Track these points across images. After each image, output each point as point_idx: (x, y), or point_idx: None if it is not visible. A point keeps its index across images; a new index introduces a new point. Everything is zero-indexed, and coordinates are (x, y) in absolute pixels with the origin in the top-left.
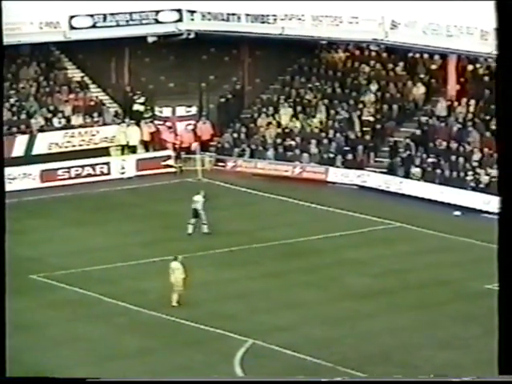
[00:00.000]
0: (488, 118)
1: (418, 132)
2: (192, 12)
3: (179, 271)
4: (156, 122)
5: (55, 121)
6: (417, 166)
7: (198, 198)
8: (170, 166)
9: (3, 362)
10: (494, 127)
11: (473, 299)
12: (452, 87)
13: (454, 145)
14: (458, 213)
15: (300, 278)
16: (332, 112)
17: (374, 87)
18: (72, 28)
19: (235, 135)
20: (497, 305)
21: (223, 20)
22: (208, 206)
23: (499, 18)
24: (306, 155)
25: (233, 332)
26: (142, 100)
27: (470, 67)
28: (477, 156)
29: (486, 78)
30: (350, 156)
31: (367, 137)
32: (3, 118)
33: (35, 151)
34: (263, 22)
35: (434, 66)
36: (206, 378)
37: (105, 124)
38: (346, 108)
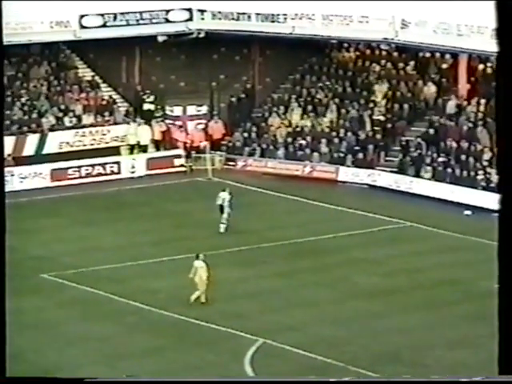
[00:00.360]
0: None
1: (429, 131)
2: (202, 11)
3: (202, 269)
4: (167, 121)
5: (66, 120)
6: (427, 165)
7: (224, 195)
8: (182, 166)
9: (3, 362)
10: None
11: (483, 299)
12: (463, 86)
13: (464, 144)
14: (468, 212)
15: (310, 278)
16: (342, 111)
17: (383, 86)
18: (82, 27)
19: (246, 134)
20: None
21: (233, 19)
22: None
23: (499, 18)
24: (316, 154)
25: (243, 331)
26: (151, 99)
27: (481, 66)
28: (487, 155)
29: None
30: (360, 155)
31: (378, 136)
32: (4, 117)
33: (46, 150)
34: (273, 22)
35: (444, 66)
36: (207, 378)
37: (115, 123)
38: (356, 107)
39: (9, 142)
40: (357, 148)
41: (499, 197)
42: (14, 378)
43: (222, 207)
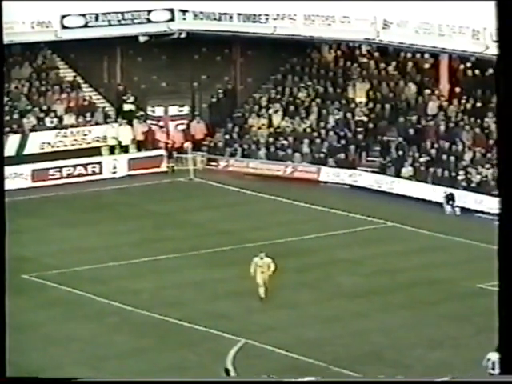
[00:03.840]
0: (480, 117)
1: (410, 131)
2: (184, 11)
3: (262, 268)
4: (148, 121)
5: (47, 120)
6: (409, 166)
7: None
8: (163, 166)
9: (3, 361)
10: (485, 126)
11: (465, 299)
12: (444, 87)
13: (445, 144)
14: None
15: (292, 278)
16: (324, 112)
17: (365, 86)
18: (64, 27)
19: (227, 135)
20: (496, 304)
21: (215, 19)
22: (203, 205)
23: (499, 18)
24: (297, 155)
25: (225, 332)
26: (131, 99)
27: (462, 67)
28: (468, 155)
29: (478, 78)
30: (341, 155)
31: (359, 136)
32: (4, 117)
33: (27, 151)
34: (255, 22)
35: (426, 66)
36: (206, 378)
37: (97, 124)
38: (338, 107)
39: None
40: (338, 148)
41: (499, 199)
42: (14, 377)
43: None
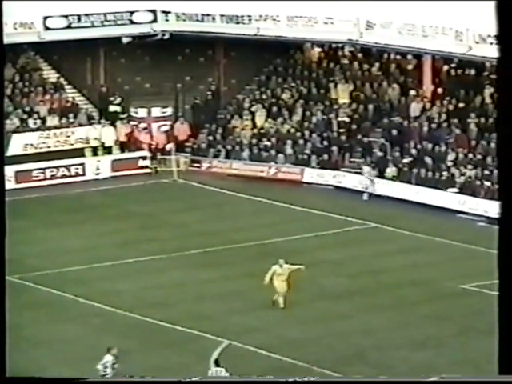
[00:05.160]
0: (463, 118)
1: (394, 132)
2: (166, 13)
3: (282, 276)
4: (131, 122)
5: (30, 122)
6: (392, 166)
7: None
8: (147, 167)
9: (3, 361)
10: (469, 127)
11: (448, 299)
12: (427, 87)
13: (429, 145)
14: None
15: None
16: (307, 113)
17: (348, 87)
18: (46, 29)
19: (211, 136)
20: (479, 304)
21: (198, 21)
22: (187, 206)
23: (499, 18)
24: (281, 156)
25: (208, 333)
26: (118, 101)
27: (445, 67)
28: (451, 156)
29: (461, 79)
30: (325, 156)
31: (342, 137)
32: (4, 118)
33: (10, 152)
34: (238, 23)
35: (409, 67)
36: (206, 378)
37: (80, 125)
38: (321, 108)
39: None
40: (322, 149)
41: (499, 203)
42: (14, 378)
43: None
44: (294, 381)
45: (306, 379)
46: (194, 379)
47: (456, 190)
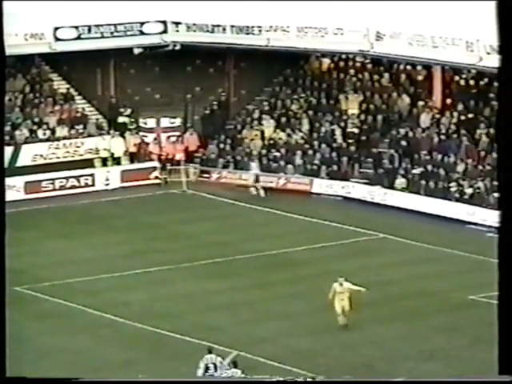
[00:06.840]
0: (472, 129)
1: (403, 143)
2: (177, 23)
3: (341, 295)
4: (141, 133)
5: (40, 132)
6: (402, 177)
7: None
8: (157, 178)
9: (3, 362)
10: (478, 138)
11: (457, 310)
12: (437, 98)
13: (438, 156)
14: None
15: (284, 290)
16: (317, 123)
17: (358, 98)
18: (57, 39)
19: (220, 146)
20: (488, 315)
21: (208, 31)
22: (196, 217)
23: (500, 18)
24: (290, 166)
25: (217, 344)
26: (128, 112)
27: (456, 78)
28: (461, 167)
29: (471, 89)
30: (334, 167)
31: (352, 148)
32: (4, 121)
33: (20, 163)
34: (248, 34)
35: (419, 77)
36: (205, 379)
37: (90, 135)
38: (330, 119)
39: None
40: (331, 160)
41: (499, 212)
42: (14, 377)
43: None
44: (294, 381)
45: (306, 379)
46: (194, 379)
47: (465, 200)
